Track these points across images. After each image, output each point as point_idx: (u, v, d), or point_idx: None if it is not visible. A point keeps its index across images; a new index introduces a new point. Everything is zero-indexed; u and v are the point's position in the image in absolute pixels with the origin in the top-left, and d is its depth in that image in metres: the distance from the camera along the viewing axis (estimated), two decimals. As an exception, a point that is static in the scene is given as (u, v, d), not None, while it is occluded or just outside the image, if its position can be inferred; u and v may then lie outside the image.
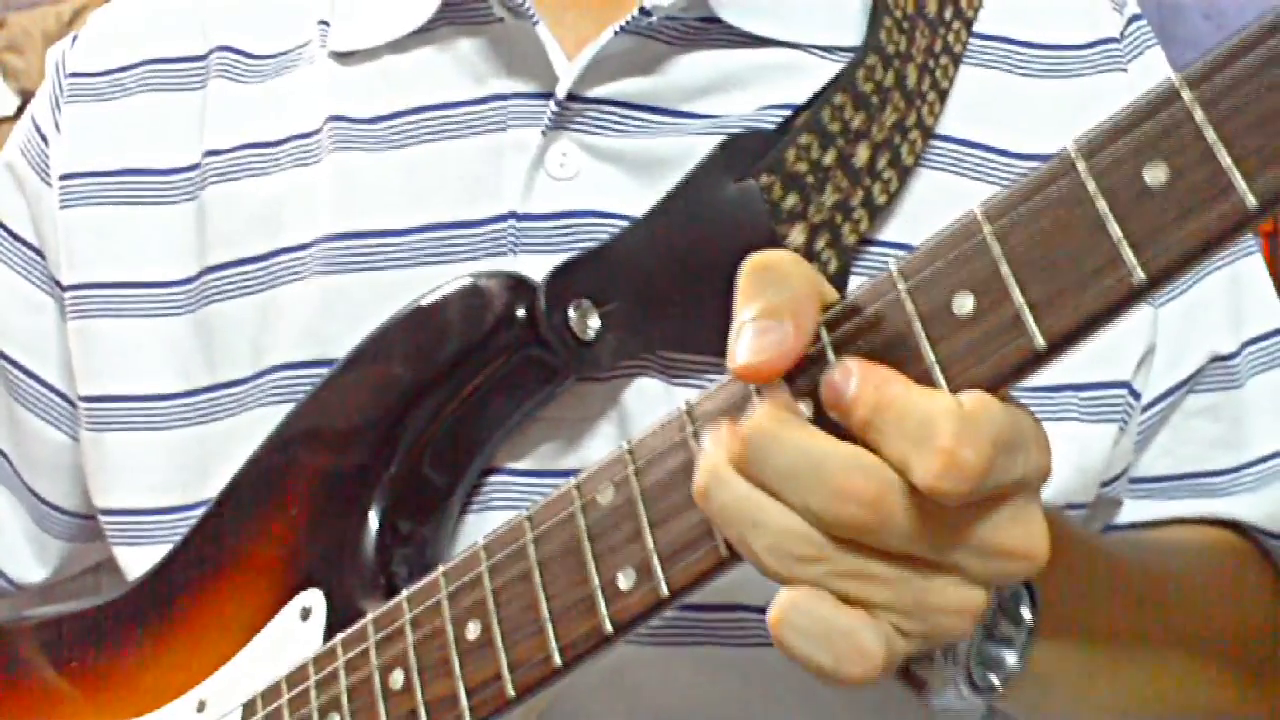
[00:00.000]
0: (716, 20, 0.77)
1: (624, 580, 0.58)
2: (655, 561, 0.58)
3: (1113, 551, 0.74)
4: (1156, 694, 0.73)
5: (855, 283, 0.72)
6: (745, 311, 0.54)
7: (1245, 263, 0.84)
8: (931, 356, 0.53)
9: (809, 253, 0.73)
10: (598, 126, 0.76)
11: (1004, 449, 0.50)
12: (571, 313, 0.70)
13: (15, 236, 0.90)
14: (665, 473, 0.58)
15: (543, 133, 0.76)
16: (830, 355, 0.55)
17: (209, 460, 0.80)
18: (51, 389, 0.89)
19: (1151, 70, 0.81)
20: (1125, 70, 0.81)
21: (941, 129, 0.78)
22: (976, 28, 0.80)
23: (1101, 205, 0.50)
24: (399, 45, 0.81)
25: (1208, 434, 0.82)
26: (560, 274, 0.71)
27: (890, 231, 0.76)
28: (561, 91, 0.76)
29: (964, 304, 0.53)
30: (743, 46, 0.77)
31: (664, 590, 0.57)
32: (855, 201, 0.74)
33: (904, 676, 0.64)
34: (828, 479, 0.51)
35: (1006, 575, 0.53)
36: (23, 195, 0.90)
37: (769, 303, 0.54)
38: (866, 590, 0.52)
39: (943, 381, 0.53)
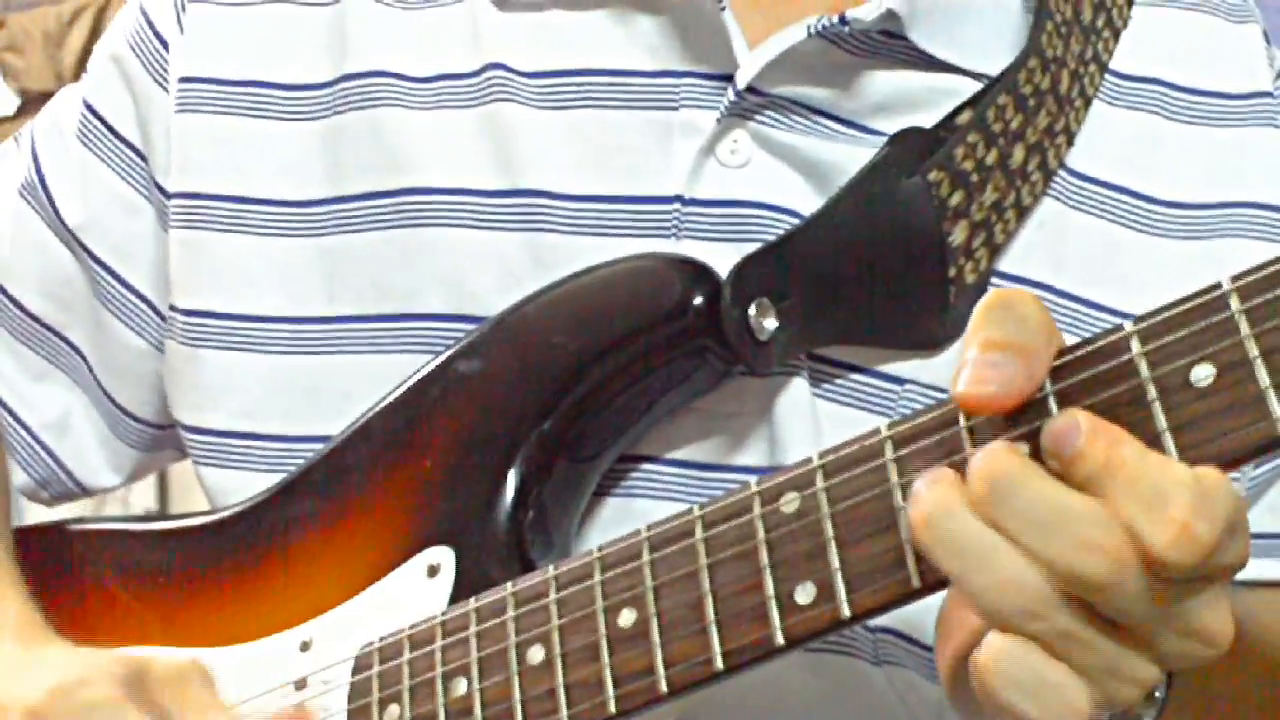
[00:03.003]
0: (899, 37, 0.76)
1: (802, 595, 0.58)
2: (839, 582, 0.57)
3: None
4: None
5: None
6: (977, 340, 0.54)
7: None
8: (1164, 423, 0.53)
9: (968, 250, 0.73)
10: (774, 121, 0.75)
11: (1230, 531, 0.51)
12: (751, 310, 0.69)
13: (118, 135, 0.87)
14: (858, 492, 0.58)
15: (718, 119, 0.75)
16: (1052, 404, 0.55)
17: (320, 394, 0.79)
18: (139, 295, 0.87)
19: None
20: (1278, 126, 0.81)
21: (1086, 170, 0.78)
22: (1125, 69, 0.80)
23: None
24: (569, 1, 0.79)
25: None
26: (744, 269, 0.70)
27: (1029, 233, 0.76)
28: (743, 81, 0.75)
29: (1204, 376, 0.53)
30: (919, 68, 0.77)
31: (845, 612, 0.57)
32: (1008, 202, 0.75)
33: None
34: (1072, 530, 0.51)
35: (1193, 656, 0.54)
36: (130, 93, 0.87)
37: (1004, 337, 0.54)
38: (1073, 651, 0.52)
39: (1174, 450, 0.53)
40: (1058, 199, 0.77)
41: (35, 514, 0.93)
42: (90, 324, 0.89)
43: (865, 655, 0.74)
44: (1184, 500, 0.50)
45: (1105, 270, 0.77)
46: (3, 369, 0.90)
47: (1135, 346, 0.54)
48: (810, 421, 0.72)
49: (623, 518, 0.72)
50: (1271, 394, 0.52)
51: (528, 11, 0.80)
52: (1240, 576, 0.81)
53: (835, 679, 0.74)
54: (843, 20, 0.74)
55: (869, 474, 0.58)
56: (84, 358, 0.90)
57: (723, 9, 0.75)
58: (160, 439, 0.90)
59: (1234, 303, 0.53)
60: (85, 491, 0.92)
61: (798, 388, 0.73)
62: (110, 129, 0.87)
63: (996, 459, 0.52)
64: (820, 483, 0.59)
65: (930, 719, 0.75)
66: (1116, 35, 0.80)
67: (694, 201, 0.75)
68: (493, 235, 0.76)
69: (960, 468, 0.54)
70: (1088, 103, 0.78)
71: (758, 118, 0.75)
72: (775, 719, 0.75)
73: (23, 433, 0.90)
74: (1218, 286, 0.53)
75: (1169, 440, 0.53)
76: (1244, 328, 0.52)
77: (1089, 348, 0.55)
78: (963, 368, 0.54)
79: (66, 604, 0.80)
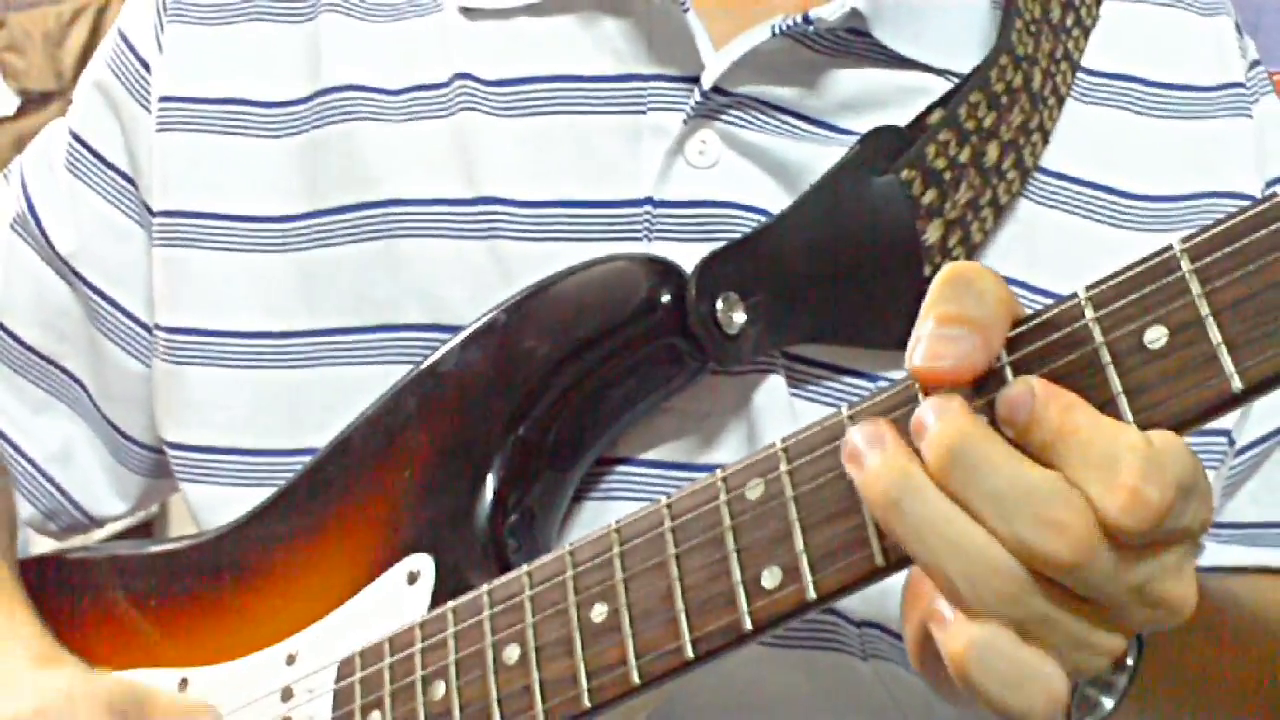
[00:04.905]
0: (864, 34, 0.76)
1: (768, 579, 0.58)
2: (804, 563, 0.57)
3: (1209, 592, 0.74)
4: None
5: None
6: (933, 315, 0.53)
7: None
8: (1118, 386, 0.53)
9: (943, 249, 0.73)
10: (741, 120, 0.76)
11: (1184, 494, 0.51)
12: (719, 304, 0.69)
13: (107, 163, 0.88)
14: (821, 474, 0.58)
15: (685, 120, 0.75)
16: (1008, 374, 0.54)
17: (299, 407, 0.79)
18: (135, 320, 0.87)
19: (1271, 116, 0.81)
20: (1250, 115, 0.81)
21: (1059, 167, 0.78)
22: (1096, 65, 0.80)
23: None
24: (536, 9, 0.80)
25: None
26: (710, 264, 0.70)
27: (1007, 232, 0.76)
28: (709, 81, 0.75)
29: (1157, 337, 0.52)
30: (886, 66, 0.77)
31: (811, 594, 0.57)
32: (984, 200, 0.75)
33: None
34: (1038, 508, 0.50)
35: (1156, 623, 0.54)
36: (116, 119, 0.88)
37: (960, 311, 0.53)
38: (1046, 631, 0.52)
39: (1129, 413, 0.52)
40: (1030, 198, 0.77)
41: (44, 547, 0.93)
42: (88, 352, 0.90)
43: (853, 651, 0.74)
44: (1134, 465, 0.50)
45: (1079, 265, 0.76)
46: (3, 402, 0.91)
47: (1089, 313, 0.54)
48: (789, 420, 0.72)
49: (600, 519, 0.71)
50: (1224, 351, 0.51)
51: (495, 20, 0.81)
52: (1216, 562, 0.81)
53: (826, 675, 0.74)
54: (807, 19, 0.74)
55: (831, 455, 0.57)
56: (83, 387, 0.91)
57: (686, 10, 0.76)
58: (164, 464, 0.90)
59: (1184, 264, 0.52)
60: (93, 521, 0.93)
61: (774, 386, 0.73)
62: (98, 157, 0.88)
63: (956, 425, 0.51)
64: (784, 466, 0.59)
65: (916, 711, 0.74)
66: (1086, 34, 0.81)
67: (664, 203, 0.75)
68: (463, 245, 0.77)
69: (900, 425, 0.53)
70: (1061, 101, 0.78)
71: (725, 118, 0.76)
72: (767, 716, 0.74)
73: (26, 465, 0.91)
74: (1168, 249, 0.53)
75: (1124, 403, 0.52)
76: (1195, 288, 0.52)
77: (1043, 316, 0.55)
78: (918, 341, 0.53)
79: (59, 632, 0.81)
